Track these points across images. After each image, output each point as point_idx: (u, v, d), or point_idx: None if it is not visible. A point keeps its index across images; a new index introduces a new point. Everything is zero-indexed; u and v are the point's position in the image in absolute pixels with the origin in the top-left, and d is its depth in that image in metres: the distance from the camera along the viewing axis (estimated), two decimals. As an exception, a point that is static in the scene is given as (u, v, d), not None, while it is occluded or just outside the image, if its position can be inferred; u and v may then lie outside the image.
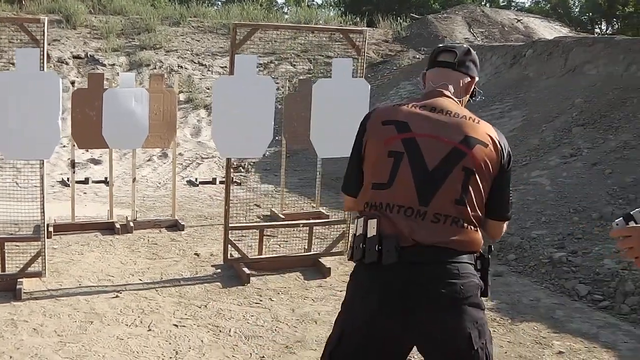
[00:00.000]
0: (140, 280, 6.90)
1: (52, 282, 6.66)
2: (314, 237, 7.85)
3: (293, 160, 13.45)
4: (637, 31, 31.78)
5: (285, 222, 8.55)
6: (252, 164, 13.57)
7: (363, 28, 7.67)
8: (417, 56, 19.53)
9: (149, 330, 5.63)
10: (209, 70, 17.56)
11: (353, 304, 3.05)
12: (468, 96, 3.28)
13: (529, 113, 12.28)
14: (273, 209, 9.83)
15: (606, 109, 11.04)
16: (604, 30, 36.31)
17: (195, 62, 17.87)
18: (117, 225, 8.61)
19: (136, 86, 9.33)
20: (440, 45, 3.28)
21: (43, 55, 6.17)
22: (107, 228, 8.66)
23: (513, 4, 40.04)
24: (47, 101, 6.26)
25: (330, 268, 7.27)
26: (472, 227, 2.97)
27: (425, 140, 2.98)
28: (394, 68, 18.67)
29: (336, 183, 11.15)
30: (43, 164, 6.47)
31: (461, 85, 3.21)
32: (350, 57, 7.56)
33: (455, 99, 3.16)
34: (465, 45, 3.31)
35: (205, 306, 6.22)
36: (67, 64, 16.31)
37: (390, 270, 2.88)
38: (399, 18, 23.71)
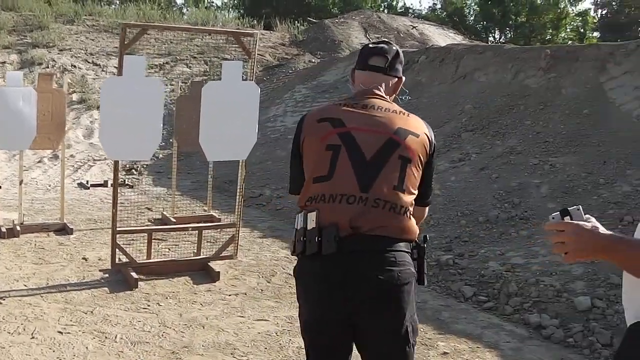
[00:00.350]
0: (25, 285, 6.72)
1: None
2: (205, 241, 7.81)
3: (186, 163, 13.35)
4: (528, 40, 32.81)
5: (175, 226, 8.47)
6: (144, 166, 13.40)
7: (254, 31, 7.68)
8: (313, 60, 19.65)
9: (32, 337, 5.48)
10: (103, 70, 17.29)
11: (302, 296, 3.19)
12: (395, 94, 3.45)
13: (420, 118, 12.47)
14: (164, 212, 9.73)
15: (494, 115, 11.34)
16: (498, 39, 37.32)
17: (89, 62, 17.56)
18: (3, 229, 8.37)
19: (27, 85, 9.11)
20: (371, 44, 3.38)
21: None
22: (-7, 232, 8.42)
23: (410, 10, 40.66)
24: None
25: (219, 272, 7.23)
26: (408, 214, 3.09)
27: (360, 134, 3.11)
28: (290, 71, 18.73)
29: (228, 186, 11.16)
30: None
31: (390, 85, 3.36)
32: (242, 60, 7.55)
33: (386, 97, 3.31)
34: (394, 47, 3.40)
35: (92, 312, 6.11)
36: (-47, 61, 15.81)
37: (330, 261, 2.97)
38: (296, 22, 23.81)
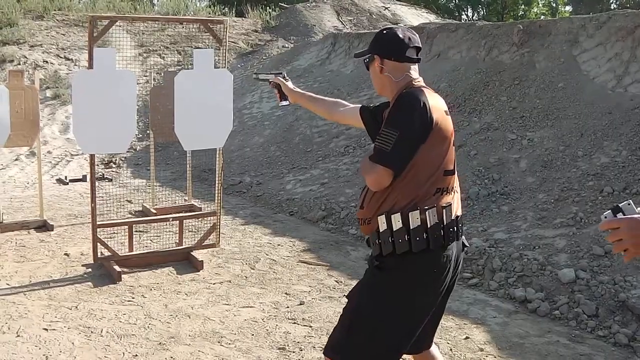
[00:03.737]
0: (8, 284, 6.66)
1: None
2: (186, 231, 7.80)
3: (164, 154, 13.31)
4: (501, 17, 32.87)
5: (155, 217, 8.43)
6: (123, 159, 13.34)
7: (224, 18, 7.62)
8: (286, 45, 19.60)
9: (18, 336, 5.45)
10: (76, 65, 17.12)
11: (421, 291, 3.31)
12: None
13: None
14: (145, 204, 9.69)
15: (470, 93, 11.35)
16: (470, 17, 37.36)
17: (61, 57, 17.39)
18: (-17, 229, 8.32)
19: (-4, 83, 9.03)
20: (401, 34, 3.48)
21: None
22: (-27, 232, 8.35)
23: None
24: None
25: (202, 261, 7.23)
26: None
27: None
28: (264, 57, 18.67)
29: (208, 175, 11.14)
30: None
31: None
32: (212, 48, 7.51)
33: None
34: (417, 36, 3.56)
35: (76, 307, 6.08)
36: None
37: (455, 246, 3.35)
38: (268, 8, 23.71)
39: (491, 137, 9.87)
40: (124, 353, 5.19)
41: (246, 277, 6.99)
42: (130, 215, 9.42)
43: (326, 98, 4.32)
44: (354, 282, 6.63)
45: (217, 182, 7.67)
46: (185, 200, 9.91)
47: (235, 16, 23.02)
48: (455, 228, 3.29)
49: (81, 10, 20.77)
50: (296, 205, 10.05)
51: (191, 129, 7.11)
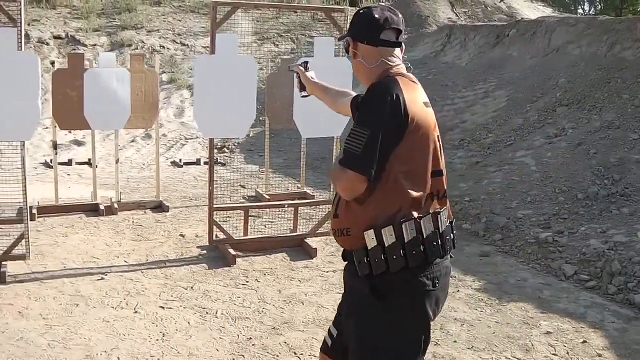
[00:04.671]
0: (126, 262, 6.85)
1: (36, 265, 6.60)
2: (299, 218, 7.82)
3: (277, 141, 13.38)
4: (619, 12, 31.87)
5: (271, 203, 8.50)
6: (236, 144, 13.49)
7: (345, 7, 7.62)
8: (400, 36, 19.49)
9: (135, 312, 5.59)
10: (191, 51, 17.40)
11: (423, 309, 2.86)
12: None
13: (512, 93, 12.25)
14: (258, 190, 9.78)
15: (590, 89, 11.03)
16: (587, 11, 36.40)
17: (177, 42, 17.70)
18: (102, 207, 8.55)
19: (118, 66, 9.25)
20: (377, 15, 2.96)
21: (20, 35, 6.11)
22: (91, 210, 8.60)
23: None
24: (25, 81, 6.20)
25: (316, 249, 7.26)
26: None
27: None
28: (378, 48, 18.61)
29: (320, 163, 11.16)
30: (24, 145, 6.40)
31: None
32: (332, 37, 7.50)
33: None
34: (400, 16, 3.04)
35: (192, 287, 6.18)
36: (47, 44, 16.08)
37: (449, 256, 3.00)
38: (381, -2, 23.61)
39: (612, 135, 9.56)
40: (238, 335, 5.25)
41: (359, 267, 6.95)
42: (243, 200, 9.52)
43: (335, 88, 3.79)
44: (468, 278, 6.56)
45: (332, 170, 7.66)
46: (297, 187, 9.94)
47: (349, 5, 23.01)
48: (451, 235, 2.93)
49: (197, -3, 21.04)
50: (408, 198, 9.96)
51: (310, 117, 7.13)
